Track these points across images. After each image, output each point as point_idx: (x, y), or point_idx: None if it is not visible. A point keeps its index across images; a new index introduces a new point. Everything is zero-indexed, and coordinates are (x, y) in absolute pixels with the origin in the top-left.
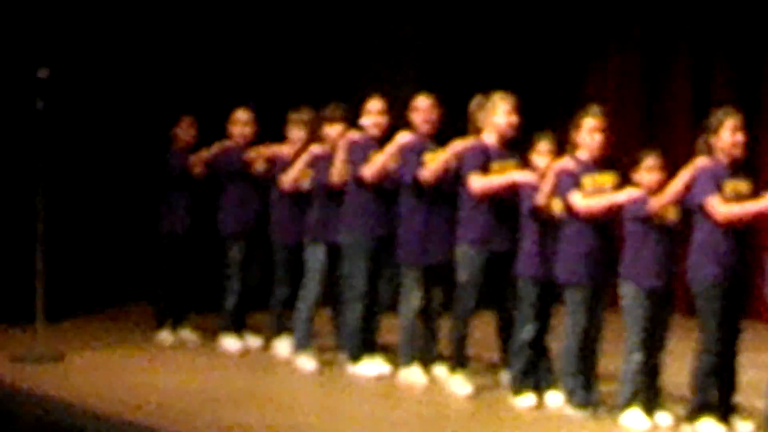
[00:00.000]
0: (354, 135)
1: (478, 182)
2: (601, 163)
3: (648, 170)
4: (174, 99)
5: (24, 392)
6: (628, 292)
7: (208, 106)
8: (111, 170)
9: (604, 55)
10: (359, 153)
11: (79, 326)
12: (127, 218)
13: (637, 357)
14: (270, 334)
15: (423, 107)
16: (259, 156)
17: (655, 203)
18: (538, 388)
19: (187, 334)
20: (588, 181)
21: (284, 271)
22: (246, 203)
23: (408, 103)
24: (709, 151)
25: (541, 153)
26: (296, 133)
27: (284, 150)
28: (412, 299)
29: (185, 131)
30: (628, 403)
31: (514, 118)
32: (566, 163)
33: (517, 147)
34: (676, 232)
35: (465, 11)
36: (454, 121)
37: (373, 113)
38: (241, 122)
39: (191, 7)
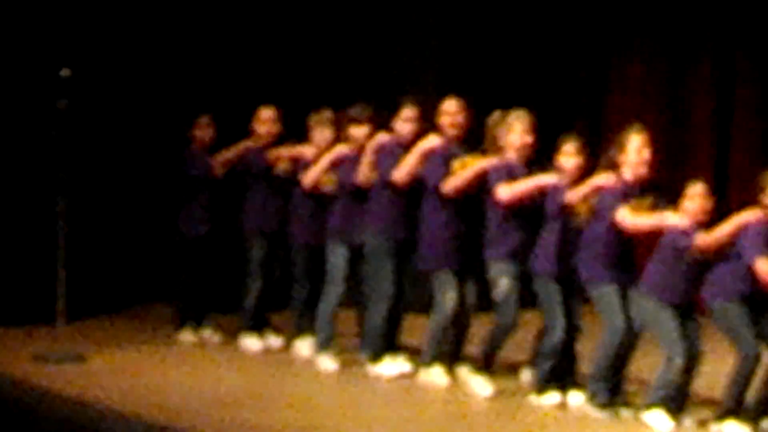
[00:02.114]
0: (383, 138)
1: (505, 191)
2: (645, 184)
3: (693, 198)
4: (196, 99)
5: (45, 392)
6: (647, 307)
7: (229, 106)
8: (132, 170)
9: (626, 62)
10: (387, 156)
11: (101, 326)
12: (148, 218)
13: (679, 362)
14: (291, 334)
15: (451, 111)
16: (282, 156)
17: (704, 240)
18: (562, 388)
19: (209, 334)
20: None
21: (304, 271)
22: (268, 203)
23: (430, 107)
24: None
25: (567, 154)
26: (320, 134)
27: (307, 150)
28: (446, 303)
29: (203, 131)
30: (655, 404)
31: (528, 138)
32: (609, 179)
33: (539, 165)
34: (706, 263)
35: (487, 17)
36: (475, 127)
37: (409, 120)
38: (268, 121)
39: (213, 8)
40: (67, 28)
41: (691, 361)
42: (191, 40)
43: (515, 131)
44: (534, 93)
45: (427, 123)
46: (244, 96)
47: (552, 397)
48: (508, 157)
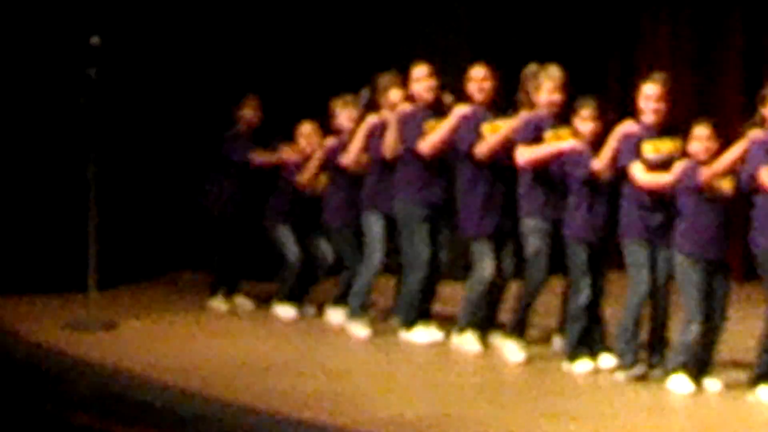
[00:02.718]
0: (405, 107)
1: (524, 154)
2: (664, 129)
3: (699, 140)
4: (228, 69)
5: (77, 360)
6: (682, 264)
7: (260, 74)
8: (163, 138)
9: (655, 22)
10: (412, 126)
11: (132, 294)
12: (179, 185)
13: (696, 328)
14: (323, 302)
15: (478, 77)
16: (311, 176)
17: (707, 173)
18: (593, 354)
19: (241, 301)
20: (648, 146)
21: (350, 251)
22: (294, 199)
23: (460, 71)
24: (763, 123)
25: (584, 119)
26: (348, 114)
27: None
28: (484, 270)
29: (252, 113)
30: (676, 369)
31: (556, 97)
32: (630, 127)
33: (566, 121)
34: (730, 204)
35: None
36: (506, 88)
37: (422, 78)
38: (309, 135)
39: None
40: None
41: (711, 326)
42: (224, 8)
43: (544, 89)
44: (565, 48)
45: (452, 87)
46: (277, 64)
47: (584, 363)
48: (538, 113)
